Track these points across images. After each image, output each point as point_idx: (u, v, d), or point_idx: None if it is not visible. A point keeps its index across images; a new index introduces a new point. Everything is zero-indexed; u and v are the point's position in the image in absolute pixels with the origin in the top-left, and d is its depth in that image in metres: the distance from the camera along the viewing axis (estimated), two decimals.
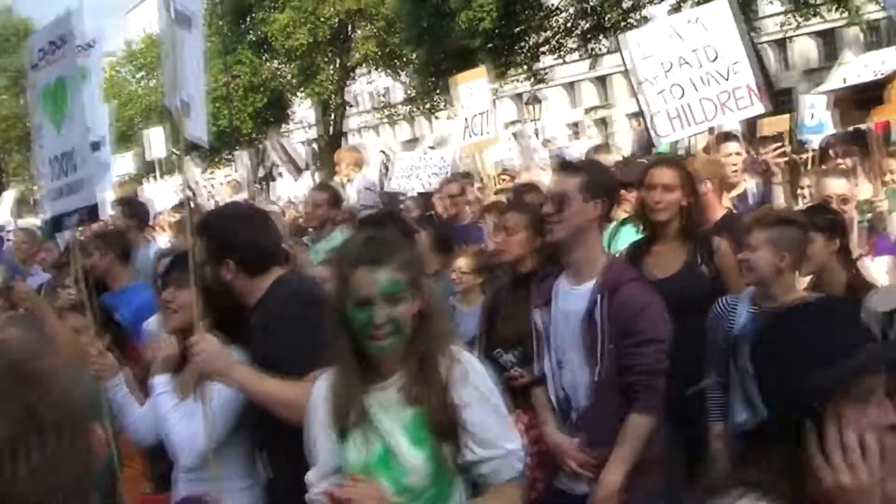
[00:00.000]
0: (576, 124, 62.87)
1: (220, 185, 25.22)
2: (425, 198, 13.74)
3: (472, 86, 14.88)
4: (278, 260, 5.16)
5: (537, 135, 27.22)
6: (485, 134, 14.41)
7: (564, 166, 5.89)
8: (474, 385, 3.82)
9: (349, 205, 13.26)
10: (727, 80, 9.33)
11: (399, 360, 3.84)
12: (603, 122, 65.77)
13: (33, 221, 25.20)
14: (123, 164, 30.73)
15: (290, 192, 18.57)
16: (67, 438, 1.17)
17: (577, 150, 19.79)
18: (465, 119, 14.53)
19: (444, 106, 46.19)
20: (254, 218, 5.35)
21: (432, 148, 19.65)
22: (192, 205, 13.58)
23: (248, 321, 4.93)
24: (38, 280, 11.28)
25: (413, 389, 3.80)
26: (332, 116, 53.37)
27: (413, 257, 3.98)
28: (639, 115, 12.86)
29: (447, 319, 4.23)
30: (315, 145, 51.20)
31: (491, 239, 8.30)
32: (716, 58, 9.38)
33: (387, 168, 15.17)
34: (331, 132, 53.32)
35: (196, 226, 5.28)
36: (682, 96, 9.40)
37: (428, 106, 49.23)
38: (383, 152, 15.93)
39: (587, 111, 67.74)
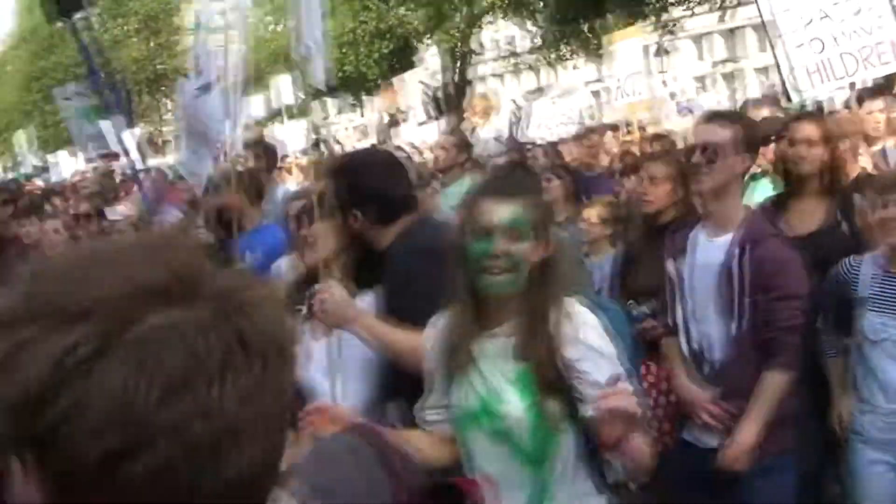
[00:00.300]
0: (703, 77, 61.84)
1: (345, 131, 25.45)
2: (553, 147, 13.71)
3: (628, 44, 14.79)
4: (408, 209, 5.13)
5: (664, 86, 26.89)
6: (637, 95, 14.30)
7: (717, 117, 5.77)
8: (586, 341, 3.73)
9: (477, 153, 13.28)
10: (870, 34, 9.07)
11: (513, 307, 3.80)
12: (731, 76, 64.65)
13: (164, 161, 25.72)
14: (252, 107, 31.10)
15: (415, 137, 18.63)
16: (272, 367, 1.20)
17: (704, 104, 19.56)
18: (618, 79, 14.45)
19: (571, 56, 45.87)
20: (387, 166, 5.33)
21: (560, 97, 19.57)
22: (324, 148, 13.77)
23: (380, 264, 4.95)
24: (169, 218, 11.52)
25: (521, 342, 3.76)
26: (458, 64, 53.24)
27: (542, 201, 3.94)
28: (767, 70, 12.69)
29: (572, 272, 4.12)
30: (440, 93, 51.23)
31: (626, 190, 8.27)
32: (858, 11, 9.13)
33: (517, 117, 15.15)
34: (456, 80, 53.24)
35: (328, 170, 5.31)
36: (822, 51, 9.18)
37: (554, 56, 48.88)
38: (514, 101, 15.92)
39: (715, 64, 66.62)
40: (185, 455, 1.13)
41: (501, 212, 3.70)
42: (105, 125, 13.83)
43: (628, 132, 14.97)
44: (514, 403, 3.74)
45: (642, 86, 14.38)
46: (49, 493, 1.17)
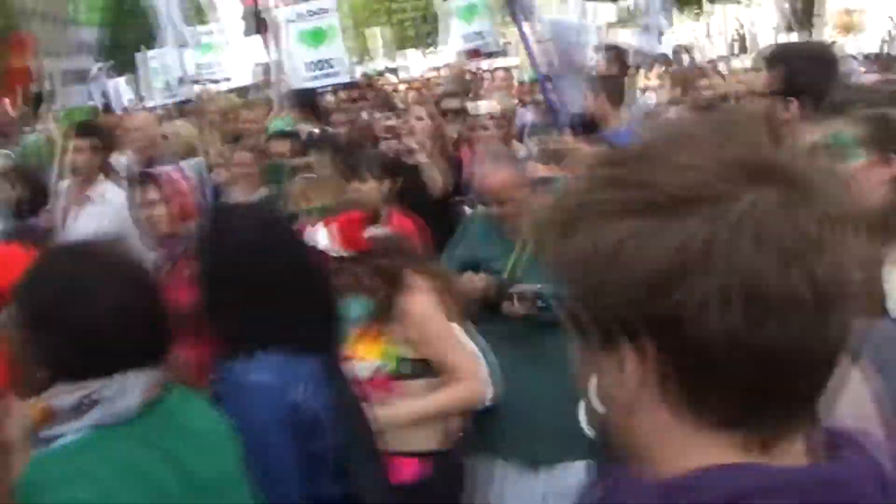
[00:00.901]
0: None
1: (690, 41, 24.93)
2: None
3: None
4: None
5: None
6: None
7: None
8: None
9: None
10: None
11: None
12: None
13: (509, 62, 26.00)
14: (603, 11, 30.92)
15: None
16: (856, 239, 1.29)
17: None
18: None
19: None
20: (826, 59, 5.20)
21: None
22: (684, 57, 13.70)
23: None
24: (527, 118, 11.68)
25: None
26: None
27: (887, 117, 3.55)
28: None
29: None
30: (787, 5, 49.44)
31: None
32: None
33: (892, 35, 14.49)
34: None
35: (768, 58, 5.24)
36: None
37: None
38: (892, 18, 15.23)
39: None
40: (799, 323, 1.22)
41: (820, 130, 3.55)
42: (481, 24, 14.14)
43: None
44: None
45: None
46: (663, 376, 1.27)
